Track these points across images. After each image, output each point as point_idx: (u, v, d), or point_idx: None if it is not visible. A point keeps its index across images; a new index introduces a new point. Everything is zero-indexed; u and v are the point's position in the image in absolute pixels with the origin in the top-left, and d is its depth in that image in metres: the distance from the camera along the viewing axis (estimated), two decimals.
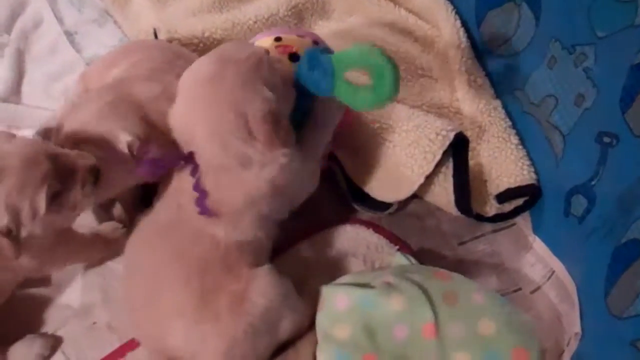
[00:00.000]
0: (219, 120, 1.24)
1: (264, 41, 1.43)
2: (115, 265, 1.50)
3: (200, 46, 1.75)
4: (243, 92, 1.23)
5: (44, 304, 1.46)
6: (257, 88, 1.24)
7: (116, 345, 1.38)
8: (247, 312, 1.22)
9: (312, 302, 1.32)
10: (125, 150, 1.28)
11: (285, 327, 1.28)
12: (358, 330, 1.26)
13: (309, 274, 1.43)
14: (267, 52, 1.30)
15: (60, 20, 2.01)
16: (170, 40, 1.71)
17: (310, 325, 1.31)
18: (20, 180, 1.16)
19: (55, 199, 1.21)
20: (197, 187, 1.27)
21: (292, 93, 1.32)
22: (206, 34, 1.77)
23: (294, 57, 1.39)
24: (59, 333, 1.42)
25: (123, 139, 1.28)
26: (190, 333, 1.22)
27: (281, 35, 1.44)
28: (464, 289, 1.30)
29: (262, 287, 1.25)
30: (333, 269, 1.45)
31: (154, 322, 1.27)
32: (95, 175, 1.25)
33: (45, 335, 1.41)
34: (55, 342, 1.40)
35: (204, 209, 1.26)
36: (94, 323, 1.44)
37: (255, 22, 1.85)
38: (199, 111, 1.25)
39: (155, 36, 1.72)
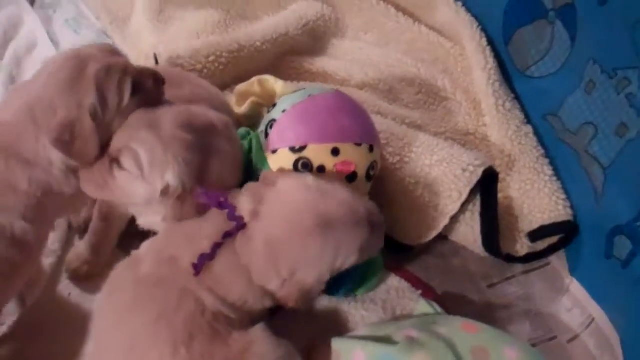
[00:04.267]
0: (279, 260, 1.15)
1: (319, 149, 1.30)
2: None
3: (205, 72, 1.65)
4: (312, 259, 1.16)
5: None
6: (324, 264, 1.17)
7: None
8: None
9: None
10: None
11: None
12: None
13: (318, 327, 1.33)
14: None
15: (56, 43, 1.94)
16: (172, 66, 1.61)
17: None
18: (107, 64, 1.17)
19: (135, 93, 1.20)
20: (215, 248, 1.15)
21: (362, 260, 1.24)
22: (211, 58, 1.67)
23: (352, 177, 1.31)
24: None
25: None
26: None
27: (338, 144, 1.30)
28: (495, 343, 1.18)
29: (258, 352, 1.13)
30: (347, 319, 1.34)
31: None
32: (162, 81, 1.26)
33: None
34: None
35: (200, 267, 1.15)
36: None
37: (262, 44, 1.76)
38: (275, 239, 1.15)
39: (156, 61, 1.61)
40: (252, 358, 1.11)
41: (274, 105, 1.39)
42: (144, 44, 1.76)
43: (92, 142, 1.16)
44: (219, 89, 1.62)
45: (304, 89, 1.40)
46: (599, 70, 1.35)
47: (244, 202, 1.18)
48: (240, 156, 1.32)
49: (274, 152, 1.32)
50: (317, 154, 1.29)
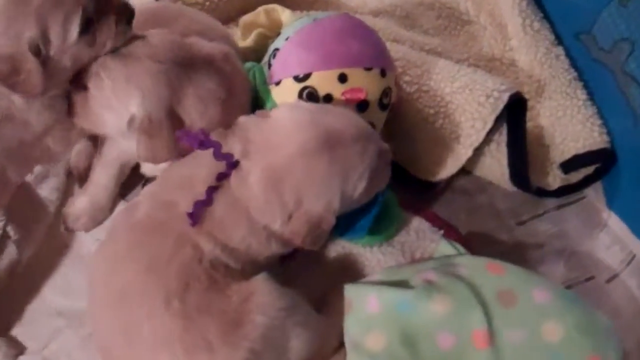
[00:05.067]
0: (282, 187, 1.07)
1: (324, 76, 1.22)
2: None
3: (207, 4, 1.55)
4: (319, 182, 1.08)
5: (32, 308, 1.32)
6: (332, 188, 1.08)
7: None
8: (245, 336, 1.03)
9: (336, 312, 1.14)
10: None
11: (298, 348, 1.09)
12: (395, 339, 1.09)
13: (331, 275, 1.24)
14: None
15: None
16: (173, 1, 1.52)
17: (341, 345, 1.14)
18: None
19: (88, 30, 1.12)
20: (210, 193, 1.08)
21: (361, 203, 1.17)
22: None
23: (363, 106, 1.23)
24: (51, 347, 1.26)
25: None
26: None
27: (345, 69, 1.22)
28: (524, 286, 1.12)
29: (260, 303, 1.06)
30: (362, 264, 1.26)
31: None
32: (129, 16, 1.16)
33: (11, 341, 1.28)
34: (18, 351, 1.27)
35: (197, 217, 1.07)
36: (89, 335, 1.26)
37: None
38: (275, 164, 1.08)
39: None
40: (252, 309, 1.05)
41: (279, 34, 1.31)
42: None
43: (34, 76, 1.09)
44: (224, 22, 1.54)
45: (310, 14, 1.32)
46: None
47: (232, 139, 1.10)
48: (246, 87, 1.26)
49: (278, 83, 1.25)
50: (323, 81, 1.21)
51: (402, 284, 1.13)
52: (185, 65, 1.16)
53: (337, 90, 1.20)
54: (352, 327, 1.12)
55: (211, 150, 1.09)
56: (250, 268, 1.12)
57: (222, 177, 1.09)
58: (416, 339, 1.08)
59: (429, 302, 1.08)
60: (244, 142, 1.08)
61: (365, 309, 1.12)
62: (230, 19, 1.57)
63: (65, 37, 1.10)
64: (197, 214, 1.07)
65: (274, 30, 1.40)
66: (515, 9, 1.53)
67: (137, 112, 1.14)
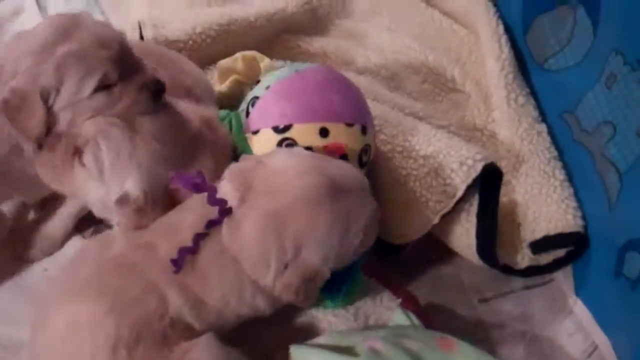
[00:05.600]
0: (282, 235, 1.02)
1: (305, 129, 1.19)
2: None
3: (190, 44, 1.54)
4: (321, 232, 1.04)
5: None
6: (332, 239, 1.04)
7: None
8: None
9: None
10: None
11: None
12: None
13: (281, 333, 1.19)
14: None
15: (43, 9, 1.85)
16: (155, 38, 1.50)
17: None
18: (84, 51, 1.08)
19: (105, 88, 1.11)
20: (197, 240, 1.04)
21: (349, 262, 1.12)
22: (198, 30, 1.54)
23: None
24: None
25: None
26: None
27: (326, 124, 1.19)
28: None
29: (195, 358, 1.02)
30: (313, 325, 1.22)
31: None
32: (159, 92, 1.15)
33: None
34: None
35: (180, 264, 1.02)
36: None
37: (256, 19, 1.63)
38: (276, 210, 1.03)
39: (140, 31, 1.50)
40: None
41: (257, 81, 1.29)
42: (134, 16, 1.64)
43: (35, 120, 1.09)
44: (205, 63, 1.54)
45: (292, 65, 1.30)
46: (621, 61, 1.20)
47: (226, 184, 1.06)
48: (229, 152, 1.23)
49: (256, 132, 1.21)
50: (304, 134, 1.18)
51: (347, 351, 1.07)
52: (185, 146, 1.15)
53: (318, 144, 1.17)
54: None
55: (201, 197, 1.05)
56: (212, 329, 1.07)
57: (211, 224, 1.04)
58: None
59: None
60: (242, 189, 1.04)
61: None
62: (212, 60, 1.55)
63: (78, 94, 1.09)
64: (181, 261, 1.02)
65: (251, 77, 1.38)
66: (501, 81, 1.51)
67: (134, 190, 1.12)
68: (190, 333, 1.05)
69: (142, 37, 1.51)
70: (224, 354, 1.04)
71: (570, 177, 1.38)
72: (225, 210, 1.03)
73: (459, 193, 1.25)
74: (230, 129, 1.26)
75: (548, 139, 1.44)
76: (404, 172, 1.31)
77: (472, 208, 1.27)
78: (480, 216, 1.26)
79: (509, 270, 1.30)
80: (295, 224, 1.02)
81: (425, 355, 1.05)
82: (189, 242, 1.03)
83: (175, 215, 1.12)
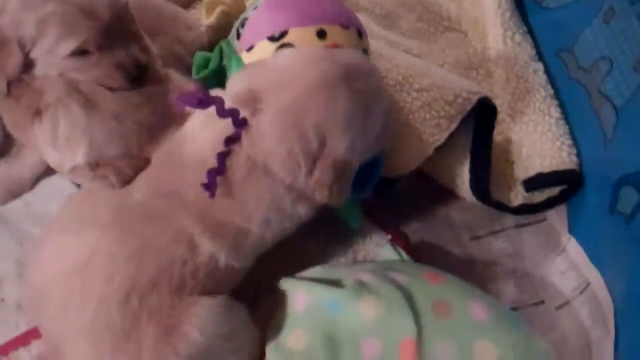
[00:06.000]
0: (303, 126, 0.98)
1: (302, 32, 1.12)
2: (35, 230, 1.28)
3: None
4: (342, 117, 0.98)
5: None
6: (354, 124, 0.99)
7: (23, 329, 1.18)
8: (175, 349, 0.97)
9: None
10: None
11: None
12: (317, 340, 1.03)
13: (272, 268, 1.15)
14: None
15: None
16: None
17: None
18: (70, 14, 1.05)
19: (82, 54, 1.08)
20: (221, 159, 0.98)
21: (372, 154, 1.08)
22: None
23: None
24: None
25: None
26: None
27: (323, 25, 1.13)
28: (462, 299, 1.05)
29: (201, 321, 0.99)
30: (304, 258, 1.19)
31: (63, 331, 1.01)
32: (137, 74, 1.11)
33: None
34: None
35: (212, 185, 0.98)
36: (2, 300, 1.22)
37: None
38: (292, 102, 0.98)
39: None
40: (192, 323, 0.99)
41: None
42: None
43: (12, 60, 1.07)
44: (188, 2, 1.52)
45: None
46: None
47: (231, 100, 1.00)
48: None
49: (250, 49, 1.15)
50: (301, 37, 1.12)
51: (334, 283, 1.07)
52: (149, 127, 1.12)
53: (317, 46, 1.11)
54: (275, 326, 1.06)
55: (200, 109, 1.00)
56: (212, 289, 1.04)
57: (230, 140, 0.99)
58: (339, 342, 1.02)
59: (358, 302, 1.02)
60: (251, 97, 0.99)
61: (293, 305, 1.06)
62: None
63: (53, 52, 1.07)
64: (212, 184, 0.97)
65: (238, 10, 1.34)
66: (497, 19, 1.47)
67: (82, 162, 1.11)
68: (215, 275, 1.04)
69: None
70: (229, 320, 1.02)
71: (565, 115, 1.35)
72: (240, 121, 0.97)
73: (454, 125, 1.24)
74: (221, 57, 1.21)
75: (544, 77, 1.41)
76: (397, 106, 1.28)
77: (466, 142, 1.26)
78: (474, 151, 1.26)
79: (501, 206, 1.29)
80: (314, 113, 0.97)
81: (412, 287, 1.04)
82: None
83: (186, 150, 1.07)
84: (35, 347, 1.14)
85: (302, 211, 1.05)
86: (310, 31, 1.11)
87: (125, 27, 1.11)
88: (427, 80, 1.29)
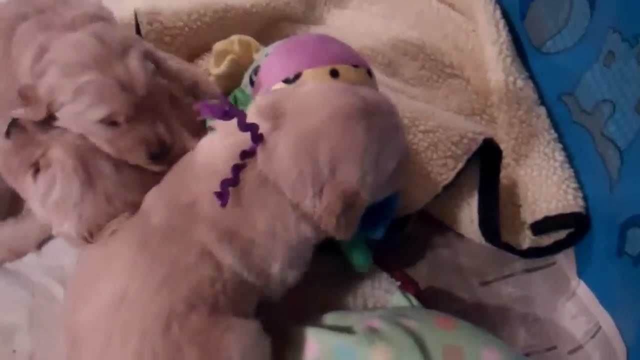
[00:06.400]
0: (317, 152, 0.99)
1: (316, 72, 1.15)
2: (47, 281, 1.28)
3: (186, 30, 1.52)
4: (356, 149, 1.00)
5: None
6: (368, 158, 1.01)
7: None
8: None
9: None
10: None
11: None
12: None
13: (281, 313, 1.16)
14: None
15: None
16: (150, 23, 1.49)
17: None
18: (108, 87, 1.08)
19: (110, 124, 1.11)
20: (236, 171, 0.99)
21: (384, 194, 1.10)
22: (193, 17, 1.53)
23: None
24: None
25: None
26: None
27: (335, 65, 1.16)
28: (473, 344, 1.04)
29: (243, 345, 1.00)
30: (310, 306, 1.19)
31: None
32: (161, 151, 1.14)
33: None
34: None
35: (225, 195, 0.98)
36: (14, 352, 1.20)
37: (252, 6, 1.61)
38: (311, 127, 1.00)
39: (136, 19, 1.49)
40: (232, 348, 0.99)
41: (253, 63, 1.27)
42: (128, 3, 1.62)
43: (34, 115, 1.10)
44: (200, 50, 1.56)
45: None
46: (619, 38, 1.19)
47: (254, 115, 1.02)
48: None
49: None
50: (315, 78, 1.14)
51: (345, 330, 1.06)
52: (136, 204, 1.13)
53: None
54: None
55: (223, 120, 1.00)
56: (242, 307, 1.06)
57: (246, 155, 1.00)
58: None
59: (369, 349, 1.01)
60: (273, 115, 1.00)
61: (304, 353, 1.05)
62: (207, 48, 1.53)
63: (81, 116, 1.09)
64: (225, 194, 0.98)
65: (247, 60, 1.36)
66: (499, 65, 1.50)
67: (69, 233, 1.11)
68: (243, 292, 1.05)
69: (137, 25, 1.50)
70: (254, 347, 1.02)
71: (570, 159, 1.37)
72: (258, 136, 0.98)
73: (460, 164, 1.27)
74: (237, 103, 1.23)
75: (547, 121, 1.43)
76: None
77: (474, 184, 1.28)
78: (482, 192, 1.27)
79: (509, 249, 1.29)
80: (329, 141, 0.98)
81: (423, 333, 1.03)
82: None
83: (199, 163, 1.08)
84: None
85: (308, 231, 1.05)
86: (324, 71, 1.14)
87: (156, 104, 1.13)
88: (432, 122, 1.32)
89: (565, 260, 1.32)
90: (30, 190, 1.13)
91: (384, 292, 1.22)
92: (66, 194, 1.10)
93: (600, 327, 1.20)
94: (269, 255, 1.05)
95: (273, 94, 1.08)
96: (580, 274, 1.30)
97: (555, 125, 1.43)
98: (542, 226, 1.29)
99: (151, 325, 0.97)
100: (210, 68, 1.42)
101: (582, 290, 1.27)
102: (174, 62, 1.36)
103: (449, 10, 1.71)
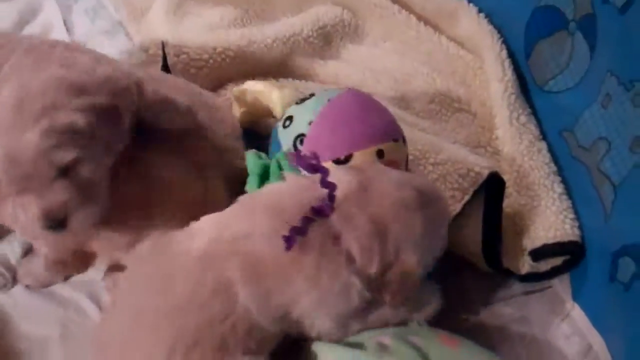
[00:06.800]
0: (386, 235, 1.06)
1: (364, 155, 1.22)
2: (77, 296, 1.35)
3: (210, 62, 1.63)
4: (417, 237, 1.08)
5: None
6: (424, 244, 1.09)
7: None
8: None
9: None
10: None
11: None
12: None
13: None
14: None
15: (70, 30, 1.93)
16: (177, 55, 1.59)
17: None
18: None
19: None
20: (305, 223, 1.02)
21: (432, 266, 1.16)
22: (218, 50, 1.64)
23: None
24: None
25: None
26: None
27: (380, 145, 1.23)
28: None
29: None
30: None
31: None
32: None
33: None
34: None
35: (292, 240, 1.01)
36: None
37: (274, 41, 1.72)
38: (381, 212, 1.06)
39: (163, 50, 1.59)
40: None
41: (288, 118, 1.30)
42: (155, 35, 1.73)
43: None
44: (223, 81, 1.65)
45: (312, 94, 1.33)
46: (615, 82, 1.27)
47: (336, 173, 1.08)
48: None
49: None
50: (364, 159, 1.21)
51: (357, 346, 1.12)
52: None
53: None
54: None
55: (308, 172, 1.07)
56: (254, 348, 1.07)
57: (316, 211, 1.03)
58: None
59: None
60: (357, 178, 1.07)
61: None
62: (231, 79, 1.64)
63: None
64: (293, 240, 1.00)
65: (258, 110, 1.46)
66: (504, 101, 1.58)
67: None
68: (252, 334, 1.06)
69: (164, 56, 1.60)
70: None
71: (568, 191, 1.45)
72: (332, 196, 1.03)
73: (467, 196, 1.35)
74: (279, 165, 1.25)
75: (548, 155, 1.51)
76: None
77: (479, 214, 1.36)
78: (486, 222, 1.35)
79: (510, 274, 1.38)
80: (395, 229, 1.05)
81: (429, 350, 1.10)
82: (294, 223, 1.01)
83: (268, 199, 1.11)
84: None
85: (356, 300, 1.08)
86: (372, 153, 1.21)
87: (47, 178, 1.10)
88: (442, 156, 1.41)
89: (561, 285, 1.39)
90: (8, 218, 1.15)
91: None
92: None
93: (591, 347, 1.28)
94: (292, 302, 1.06)
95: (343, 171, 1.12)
96: (575, 297, 1.37)
97: (555, 159, 1.51)
98: (540, 253, 1.37)
99: (157, 344, 1.02)
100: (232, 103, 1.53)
101: (576, 312, 1.34)
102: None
103: (458, 49, 1.80)
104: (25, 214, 1.09)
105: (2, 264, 1.38)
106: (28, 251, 1.39)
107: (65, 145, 1.05)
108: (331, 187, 1.03)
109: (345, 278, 1.05)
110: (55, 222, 1.08)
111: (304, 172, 1.13)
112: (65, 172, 1.07)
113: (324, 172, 1.03)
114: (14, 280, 1.37)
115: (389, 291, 1.07)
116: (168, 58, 1.60)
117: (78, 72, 1.09)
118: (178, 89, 1.35)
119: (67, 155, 1.05)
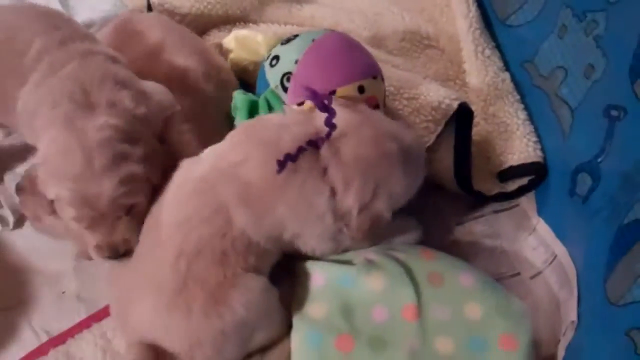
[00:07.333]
0: (374, 171, 1.17)
1: (347, 90, 1.30)
2: None
3: (193, 10, 1.71)
4: (392, 186, 1.20)
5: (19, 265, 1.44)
6: (399, 193, 1.21)
7: (83, 316, 1.35)
8: (222, 316, 1.14)
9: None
10: None
11: (259, 340, 1.21)
12: (334, 309, 1.21)
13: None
14: None
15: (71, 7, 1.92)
16: (162, 4, 1.67)
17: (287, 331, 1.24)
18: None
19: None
20: (298, 151, 1.13)
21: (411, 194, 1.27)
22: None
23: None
24: (30, 301, 1.38)
25: None
26: (157, 316, 1.16)
27: (361, 81, 1.31)
28: (451, 270, 1.25)
29: (247, 297, 1.16)
30: None
31: (127, 288, 1.22)
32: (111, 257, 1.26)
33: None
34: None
35: (283, 165, 1.12)
36: (63, 293, 1.39)
37: None
38: (368, 156, 1.17)
39: (149, 5, 1.65)
40: (237, 299, 1.15)
41: (274, 57, 1.38)
42: None
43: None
44: (207, 28, 1.72)
45: (296, 35, 1.41)
46: (570, 14, 1.37)
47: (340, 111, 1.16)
48: None
49: (300, 104, 1.30)
50: (346, 95, 1.29)
51: (346, 262, 1.25)
52: None
53: (358, 101, 1.28)
54: (298, 299, 1.23)
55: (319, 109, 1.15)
56: (254, 264, 1.19)
57: (311, 143, 1.14)
58: (354, 309, 1.20)
59: (367, 277, 1.21)
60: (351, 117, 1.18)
61: (311, 283, 1.24)
62: (214, 25, 1.73)
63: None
64: (285, 164, 1.11)
65: (245, 53, 1.57)
66: (469, 36, 1.66)
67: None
68: (252, 250, 1.18)
69: (149, 5, 1.67)
70: (268, 298, 1.19)
71: (531, 117, 1.55)
72: (332, 124, 1.13)
73: (440, 127, 1.44)
74: (269, 107, 1.34)
75: (511, 85, 1.60)
76: (392, 113, 1.46)
77: (450, 142, 1.45)
78: (457, 148, 1.45)
79: (480, 196, 1.48)
80: (377, 174, 1.16)
81: (410, 262, 1.24)
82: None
83: (269, 131, 1.19)
84: (97, 328, 1.31)
85: (329, 218, 1.19)
86: (353, 88, 1.30)
87: (118, 215, 1.24)
88: (415, 90, 1.49)
89: (527, 202, 1.50)
90: (58, 228, 1.34)
91: None
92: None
93: (556, 256, 1.38)
94: (280, 225, 1.19)
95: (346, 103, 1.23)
96: (540, 212, 1.47)
97: (518, 88, 1.60)
98: (507, 174, 1.49)
99: (165, 254, 1.16)
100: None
101: (541, 226, 1.45)
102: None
103: None
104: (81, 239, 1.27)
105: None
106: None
107: (133, 191, 1.21)
108: (332, 127, 1.14)
109: (322, 209, 1.17)
110: (119, 255, 1.24)
111: (294, 107, 1.25)
112: (128, 211, 1.23)
113: (333, 113, 1.14)
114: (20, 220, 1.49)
115: (355, 227, 1.19)
116: (153, 7, 1.67)
117: (124, 120, 1.24)
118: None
119: (133, 199, 1.22)
